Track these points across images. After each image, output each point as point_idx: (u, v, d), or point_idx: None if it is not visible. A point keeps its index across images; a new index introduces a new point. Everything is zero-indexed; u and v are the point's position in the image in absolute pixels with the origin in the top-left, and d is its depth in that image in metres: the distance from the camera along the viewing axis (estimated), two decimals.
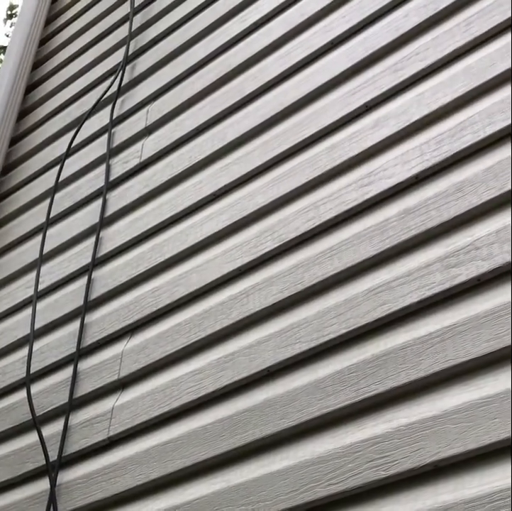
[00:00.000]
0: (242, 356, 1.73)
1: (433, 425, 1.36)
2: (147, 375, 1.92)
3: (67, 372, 2.11)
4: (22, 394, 2.17)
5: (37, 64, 3.27)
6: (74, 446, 1.94)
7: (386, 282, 1.57)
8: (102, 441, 1.89)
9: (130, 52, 2.74)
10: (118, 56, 2.81)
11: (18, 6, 8.83)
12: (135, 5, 2.89)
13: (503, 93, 1.59)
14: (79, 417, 2.00)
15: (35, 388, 2.15)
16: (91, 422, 1.95)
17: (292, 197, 1.90)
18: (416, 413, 1.40)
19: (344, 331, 1.58)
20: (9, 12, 8.87)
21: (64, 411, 2.03)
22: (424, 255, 1.55)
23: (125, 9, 2.96)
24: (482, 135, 1.57)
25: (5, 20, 9.06)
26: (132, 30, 2.80)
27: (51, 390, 2.11)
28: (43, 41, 3.35)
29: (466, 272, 1.46)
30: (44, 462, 1.96)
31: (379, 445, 1.41)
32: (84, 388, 2.03)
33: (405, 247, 1.59)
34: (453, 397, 1.37)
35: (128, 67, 2.72)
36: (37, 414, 2.08)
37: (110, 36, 2.95)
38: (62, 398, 2.06)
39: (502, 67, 1.62)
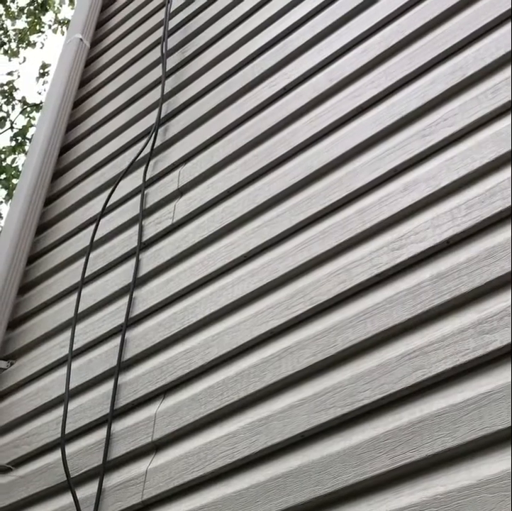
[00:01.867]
0: (275, 421, 1.73)
1: (470, 494, 1.35)
2: (181, 438, 1.93)
3: (101, 433, 2.13)
4: (56, 455, 2.19)
5: (71, 126, 3.35)
6: (108, 509, 1.95)
7: (420, 348, 1.57)
8: (136, 504, 1.90)
9: (162, 115, 2.81)
10: (151, 118, 2.88)
11: (50, 64, 9.09)
12: (168, 68, 2.97)
13: None
14: (113, 480, 2.00)
15: (69, 449, 2.17)
16: (125, 485, 1.95)
17: (323, 260, 1.93)
18: (453, 481, 1.39)
19: (378, 396, 1.58)
20: (42, 70, 9.13)
21: (98, 473, 2.04)
22: (457, 320, 1.56)
23: (157, 72, 3.04)
24: None
25: (37, 79, 9.31)
26: (165, 93, 2.88)
27: (85, 452, 2.13)
28: (77, 103, 3.44)
29: (501, 339, 1.46)
30: None
31: None
32: (118, 450, 2.04)
33: (439, 312, 1.60)
34: (490, 465, 1.36)
35: (160, 130, 2.79)
36: (72, 476, 2.09)
37: (143, 99, 3.03)
38: (96, 460, 2.08)
39: None
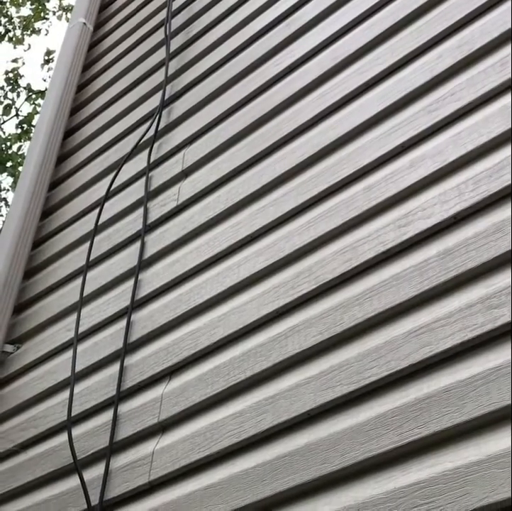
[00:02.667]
0: (282, 399, 1.72)
1: (479, 470, 1.34)
2: (187, 418, 1.92)
3: (108, 415, 2.12)
4: (63, 437, 2.19)
5: (75, 110, 3.33)
6: (115, 490, 1.94)
7: (427, 324, 1.56)
8: (143, 485, 1.89)
9: (166, 97, 2.79)
10: (155, 101, 2.86)
11: (54, 51, 9.05)
12: (171, 50, 2.95)
13: None
14: (119, 461, 2.00)
15: (75, 431, 2.16)
16: (132, 466, 1.95)
17: (329, 238, 1.91)
18: (461, 457, 1.38)
19: (385, 373, 1.56)
20: (46, 57, 9.10)
21: (105, 454, 2.04)
22: (465, 296, 1.54)
23: (161, 54, 3.02)
24: None
25: (42, 66, 9.28)
26: (168, 74, 2.85)
27: (92, 434, 2.12)
28: (81, 87, 3.42)
29: (509, 313, 1.44)
30: (86, 506, 1.96)
31: (424, 490, 1.39)
32: (125, 431, 2.04)
33: (446, 288, 1.58)
34: (499, 440, 1.35)
35: (164, 112, 2.77)
36: (78, 458, 2.09)
37: (147, 81, 3.00)
38: (103, 442, 2.07)
39: None
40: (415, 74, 1.96)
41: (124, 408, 2.09)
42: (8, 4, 9.33)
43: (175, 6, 3.14)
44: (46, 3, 9.57)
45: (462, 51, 1.88)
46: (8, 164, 8.83)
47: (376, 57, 2.09)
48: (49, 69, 9.33)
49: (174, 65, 2.90)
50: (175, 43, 2.97)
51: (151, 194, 2.57)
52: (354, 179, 1.94)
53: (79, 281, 2.57)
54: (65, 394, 2.29)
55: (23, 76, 9.41)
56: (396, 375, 1.55)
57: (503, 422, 1.36)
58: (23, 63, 9.59)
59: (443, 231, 1.67)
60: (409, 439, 1.46)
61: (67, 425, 2.13)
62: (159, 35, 3.12)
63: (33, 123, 9.00)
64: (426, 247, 1.67)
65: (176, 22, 3.06)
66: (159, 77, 2.94)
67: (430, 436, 1.43)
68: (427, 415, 1.46)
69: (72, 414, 2.19)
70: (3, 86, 9.49)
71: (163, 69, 2.92)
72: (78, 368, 2.31)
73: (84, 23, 3.60)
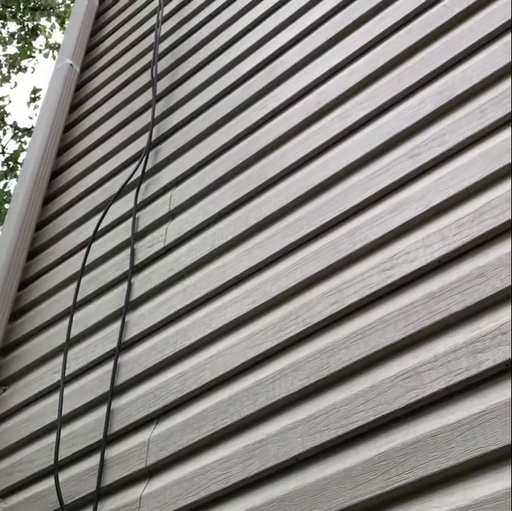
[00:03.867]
0: (270, 444, 1.72)
1: None
2: (175, 463, 1.92)
3: (95, 459, 2.11)
4: (50, 482, 2.17)
5: (62, 150, 3.35)
6: None
7: (413, 368, 1.57)
8: None
9: (153, 138, 2.82)
10: (141, 142, 2.88)
11: (41, 89, 9.11)
12: (158, 92, 2.99)
13: None
14: (107, 506, 1.98)
15: (62, 476, 2.14)
16: None
17: (315, 281, 1.92)
18: (448, 503, 1.38)
19: (372, 418, 1.57)
20: (33, 95, 9.14)
21: (93, 500, 2.02)
22: (450, 340, 1.55)
23: (147, 96, 3.05)
24: (502, 219, 1.60)
25: (28, 103, 9.33)
26: (155, 116, 2.88)
27: (79, 478, 2.11)
28: (68, 127, 3.44)
29: (494, 358, 1.46)
30: None
31: None
32: (112, 476, 2.03)
33: (431, 332, 1.60)
34: (485, 486, 1.35)
35: (151, 153, 2.79)
36: (66, 503, 2.07)
37: (133, 122, 3.03)
38: (90, 486, 2.06)
39: None
40: (397, 119, 1.99)
41: (111, 452, 2.08)
42: None
43: (161, 48, 3.18)
44: (32, 42, 9.65)
45: (443, 97, 1.92)
46: None
47: (359, 102, 2.13)
48: (35, 107, 9.37)
49: (160, 107, 2.93)
50: (162, 85, 3.01)
51: (138, 235, 2.58)
52: (339, 222, 1.97)
53: (65, 322, 2.57)
54: (52, 438, 2.28)
55: (9, 114, 9.44)
56: (383, 419, 1.56)
57: (490, 467, 1.37)
58: (10, 101, 9.64)
59: (427, 274, 1.69)
60: (396, 485, 1.46)
61: (54, 470, 2.11)
62: (146, 77, 3.16)
63: (19, 160, 9.03)
64: (411, 291, 1.69)
65: (163, 64, 3.10)
66: (145, 118, 2.96)
67: (416, 481, 1.44)
68: (414, 460, 1.46)
69: (59, 459, 2.17)
70: None
71: (150, 111, 2.95)
72: (65, 411, 2.29)
73: (71, 64, 3.63)
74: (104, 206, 2.81)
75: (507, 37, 1.88)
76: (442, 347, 1.56)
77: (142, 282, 2.42)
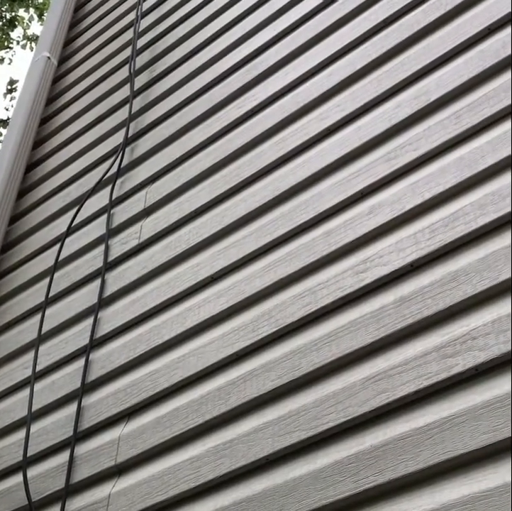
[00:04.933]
0: (240, 444, 1.72)
1: None
2: (144, 461, 1.91)
3: (64, 456, 2.10)
4: (18, 478, 2.15)
5: (37, 144, 3.33)
6: None
7: (384, 371, 1.58)
8: None
9: (129, 134, 2.80)
10: (118, 138, 2.87)
11: (18, 80, 9.02)
12: (135, 88, 2.97)
13: (495, 184, 1.64)
14: (76, 503, 1.97)
15: (31, 472, 2.13)
16: (88, 509, 1.92)
17: (289, 282, 1.93)
18: (416, 506, 1.39)
19: (342, 419, 1.58)
20: (9, 87, 9.06)
21: (61, 496, 2.01)
22: (420, 344, 1.57)
23: (125, 92, 3.04)
24: (474, 225, 1.61)
25: (5, 95, 9.24)
26: (132, 112, 2.87)
27: (47, 475, 2.10)
28: (44, 120, 3.42)
29: (463, 362, 1.47)
30: None
31: None
32: (81, 473, 2.02)
33: (402, 335, 1.61)
34: (452, 489, 1.37)
35: (127, 149, 2.78)
36: (33, 500, 2.06)
37: (110, 118, 3.02)
38: (59, 483, 2.04)
39: (493, 158, 1.67)
40: (374, 122, 2.00)
41: (81, 449, 2.07)
42: None
43: (140, 44, 3.17)
44: (10, 33, 9.55)
45: (419, 102, 1.93)
46: None
47: (337, 104, 2.14)
48: (11, 99, 9.28)
49: (138, 103, 2.92)
50: (139, 81, 3.00)
51: (112, 232, 2.57)
52: (314, 224, 1.97)
53: (37, 318, 2.56)
54: (21, 434, 2.26)
55: None
56: (354, 421, 1.57)
57: (457, 471, 1.38)
58: None
59: (400, 278, 1.70)
60: (365, 487, 1.47)
61: (23, 466, 2.10)
62: (124, 73, 3.14)
63: None
64: (383, 294, 1.70)
65: (141, 60, 3.09)
66: (122, 114, 2.95)
67: (385, 483, 1.45)
68: (383, 463, 1.47)
69: (28, 455, 2.16)
70: None
71: (127, 107, 2.94)
72: (35, 407, 2.28)
73: (48, 57, 3.60)
74: (79, 202, 2.80)
75: (483, 45, 1.90)
76: (412, 351, 1.57)
77: (116, 279, 2.41)
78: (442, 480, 1.39)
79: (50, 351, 2.42)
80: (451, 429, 1.42)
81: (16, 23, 9.58)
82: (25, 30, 9.75)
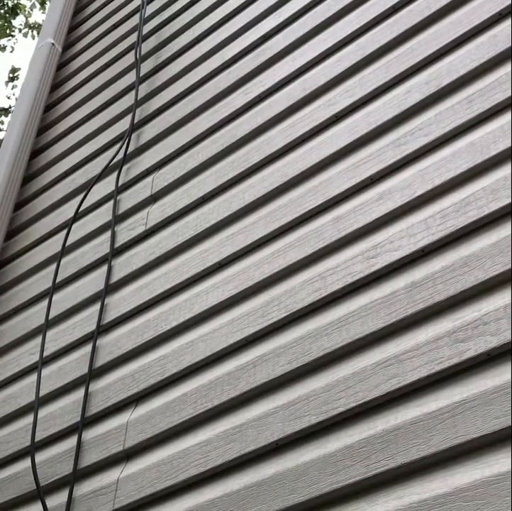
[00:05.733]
0: (250, 429, 1.73)
1: (445, 502, 1.36)
2: (153, 446, 1.92)
3: (72, 441, 2.10)
4: (26, 463, 2.16)
5: (42, 130, 3.31)
6: None
7: (395, 356, 1.58)
8: None
9: (136, 121, 2.80)
10: (124, 124, 2.86)
11: (20, 68, 8.99)
12: (141, 74, 2.96)
13: (507, 169, 1.63)
14: (83, 488, 1.98)
15: (38, 457, 2.14)
16: (96, 494, 1.93)
17: (298, 267, 1.93)
18: (428, 490, 1.39)
19: (353, 404, 1.58)
20: (11, 75, 9.03)
21: (69, 481, 2.02)
22: (432, 329, 1.56)
23: (131, 78, 3.03)
24: (487, 210, 1.61)
25: (6, 83, 9.21)
26: (138, 98, 2.86)
27: (55, 460, 2.10)
28: (49, 107, 3.41)
29: (475, 347, 1.47)
30: None
31: None
32: (89, 458, 2.02)
33: (413, 320, 1.61)
34: (465, 474, 1.37)
35: (133, 135, 2.77)
36: (41, 485, 2.06)
37: (116, 104, 3.00)
38: (67, 468, 2.05)
39: (504, 144, 1.67)
40: (384, 107, 2.00)
41: (88, 435, 2.07)
42: None
43: (146, 30, 3.15)
44: (12, 20, 9.51)
45: (429, 87, 1.92)
46: None
47: (346, 90, 2.13)
48: (13, 87, 9.25)
49: (144, 89, 2.91)
50: (145, 67, 2.99)
51: (119, 218, 2.56)
52: (323, 210, 1.97)
53: (44, 303, 2.55)
54: (28, 420, 2.27)
55: None
56: (364, 406, 1.57)
57: (469, 456, 1.38)
58: None
59: (411, 263, 1.70)
60: (376, 471, 1.47)
61: (31, 451, 2.10)
62: (129, 59, 3.13)
63: None
64: (394, 279, 1.70)
65: (147, 46, 3.08)
66: (128, 100, 2.94)
67: (397, 468, 1.45)
68: (395, 447, 1.47)
69: (36, 440, 2.16)
70: None
71: (133, 93, 2.93)
72: (42, 393, 2.28)
73: (53, 44, 3.59)
74: (84, 188, 2.79)
75: (494, 30, 1.89)
76: (424, 336, 1.57)
77: (123, 265, 2.41)
78: (454, 465, 1.40)
79: (57, 337, 2.42)
80: (463, 413, 1.42)
81: (18, 11, 9.54)
82: (27, 18, 9.71)
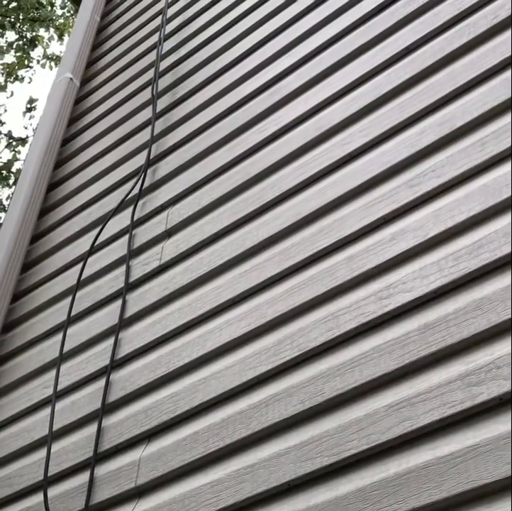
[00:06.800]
0: (261, 469, 1.72)
1: None
2: (165, 484, 1.91)
3: (84, 477, 2.10)
4: (38, 498, 2.16)
5: (59, 164, 3.36)
6: None
7: (408, 398, 1.58)
8: None
9: (151, 156, 2.83)
10: (140, 159, 2.89)
11: (37, 99, 9.13)
12: (158, 110, 3.00)
13: None
14: None
15: (51, 492, 2.14)
16: None
17: (311, 306, 1.93)
18: None
19: (365, 446, 1.58)
20: (29, 105, 9.16)
21: None
22: (445, 371, 1.56)
23: (147, 114, 3.07)
24: (499, 254, 1.61)
25: (24, 113, 9.35)
26: (155, 134, 2.90)
27: (67, 496, 2.10)
28: (66, 141, 3.46)
29: (488, 391, 1.47)
30: None
31: None
32: (101, 495, 2.02)
33: (426, 362, 1.61)
34: None
35: (149, 170, 2.80)
36: None
37: (133, 139, 3.04)
38: (79, 504, 2.05)
39: None
40: (397, 148, 2.01)
41: (101, 471, 2.08)
42: None
43: (162, 66, 3.20)
44: (30, 52, 9.67)
45: (443, 128, 1.94)
46: None
47: (360, 129, 2.15)
48: (31, 117, 9.39)
49: (160, 125, 2.94)
50: (162, 103, 3.03)
51: (134, 253, 2.58)
52: (336, 249, 1.98)
53: (58, 337, 2.57)
54: (41, 454, 2.27)
55: (4, 123, 9.46)
56: (377, 448, 1.57)
57: (481, 501, 1.38)
58: (5, 110, 9.65)
59: (424, 305, 1.70)
60: None
61: (43, 485, 2.10)
62: (146, 95, 3.17)
63: (12, 169, 9.03)
64: (407, 320, 1.71)
65: (164, 82, 3.12)
66: (144, 135, 2.98)
67: None
68: (407, 491, 1.47)
69: (48, 475, 2.16)
70: None
71: (149, 129, 2.97)
72: (55, 427, 2.29)
73: (71, 78, 3.65)
74: (100, 222, 2.82)
75: (507, 73, 1.91)
76: (436, 378, 1.57)
77: (137, 300, 2.42)
78: (466, 510, 1.39)
79: (71, 371, 2.43)
80: (475, 458, 1.41)
81: (36, 43, 9.70)
82: (45, 49, 9.86)
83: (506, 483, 1.36)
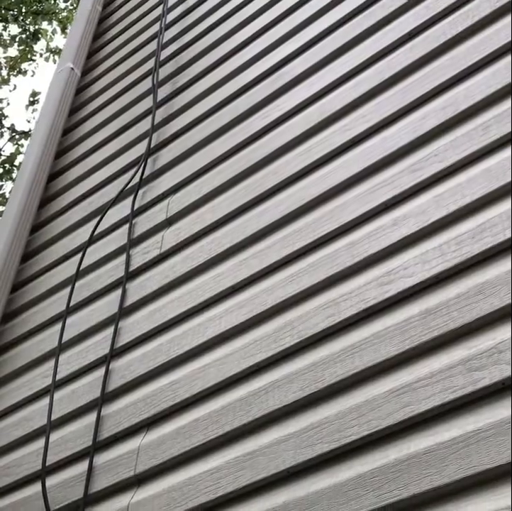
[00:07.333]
0: (261, 456, 1.70)
1: None
2: (164, 472, 1.90)
3: (83, 466, 2.09)
4: (36, 487, 2.14)
5: (60, 154, 3.34)
6: None
7: (408, 384, 1.56)
8: None
9: (152, 145, 2.81)
10: (141, 148, 2.87)
11: (40, 92, 9.12)
12: (158, 99, 2.98)
13: None
14: None
15: (49, 481, 2.12)
16: None
17: (312, 293, 1.91)
18: None
19: (365, 432, 1.56)
20: (32, 98, 9.14)
21: (79, 506, 2.00)
22: (446, 356, 1.54)
23: (147, 103, 3.05)
24: (502, 237, 1.59)
25: (27, 107, 9.32)
26: (155, 123, 2.88)
27: (66, 484, 2.08)
28: (67, 131, 3.44)
29: (490, 376, 1.45)
30: None
31: None
32: (100, 483, 2.00)
33: (427, 348, 1.59)
34: (477, 505, 1.34)
35: (150, 159, 2.78)
36: (52, 509, 2.05)
37: (133, 128, 3.02)
38: (77, 493, 2.03)
39: None
40: (399, 133, 1.99)
41: (100, 459, 2.06)
42: None
43: (163, 55, 3.18)
44: (33, 45, 9.65)
45: (446, 113, 1.91)
46: None
47: (362, 115, 2.13)
48: (34, 111, 9.38)
49: (161, 114, 2.92)
50: (162, 92, 3.01)
51: (134, 242, 2.56)
52: (337, 235, 1.96)
53: (57, 327, 2.55)
54: (40, 443, 2.25)
55: (7, 116, 9.44)
56: (377, 434, 1.55)
57: (483, 486, 1.36)
58: (8, 103, 9.63)
59: (425, 290, 1.68)
60: (388, 501, 1.45)
61: (42, 474, 2.09)
62: (147, 84, 3.15)
63: (15, 163, 9.02)
64: (408, 306, 1.68)
65: (164, 71, 3.10)
66: (145, 124, 2.96)
67: (409, 498, 1.42)
68: (407, 477, 1.45)
69: (47, 464, 2.15)
70: None
71: (149, 118, 2.95)
72: (54, 416, 2.27)
73: (72, 68, 3.63)
74: (100, 211, 2.80)
75: (510, 56, 1.88)
76: (438, 364, 1.54)
77: (137, 289, 2.40)
78: (468, 495, 1.37)
79: (70, 360, 2.41)
80: (477, 443, 1.39)
81: (39, 36, 9.68)
82: (48, 43, 9.84)
83: (508, 468, 1.34)
